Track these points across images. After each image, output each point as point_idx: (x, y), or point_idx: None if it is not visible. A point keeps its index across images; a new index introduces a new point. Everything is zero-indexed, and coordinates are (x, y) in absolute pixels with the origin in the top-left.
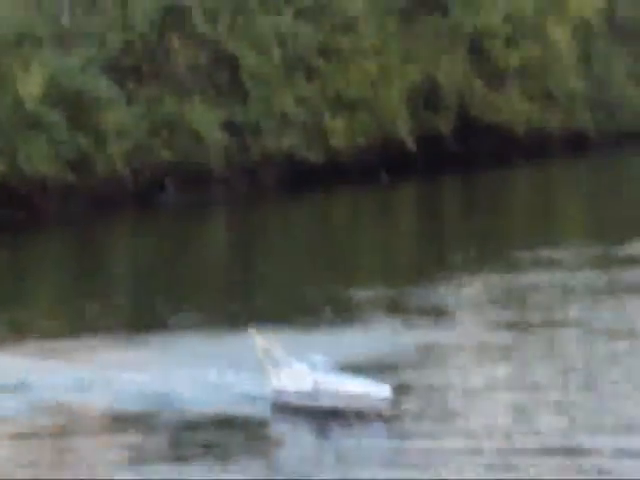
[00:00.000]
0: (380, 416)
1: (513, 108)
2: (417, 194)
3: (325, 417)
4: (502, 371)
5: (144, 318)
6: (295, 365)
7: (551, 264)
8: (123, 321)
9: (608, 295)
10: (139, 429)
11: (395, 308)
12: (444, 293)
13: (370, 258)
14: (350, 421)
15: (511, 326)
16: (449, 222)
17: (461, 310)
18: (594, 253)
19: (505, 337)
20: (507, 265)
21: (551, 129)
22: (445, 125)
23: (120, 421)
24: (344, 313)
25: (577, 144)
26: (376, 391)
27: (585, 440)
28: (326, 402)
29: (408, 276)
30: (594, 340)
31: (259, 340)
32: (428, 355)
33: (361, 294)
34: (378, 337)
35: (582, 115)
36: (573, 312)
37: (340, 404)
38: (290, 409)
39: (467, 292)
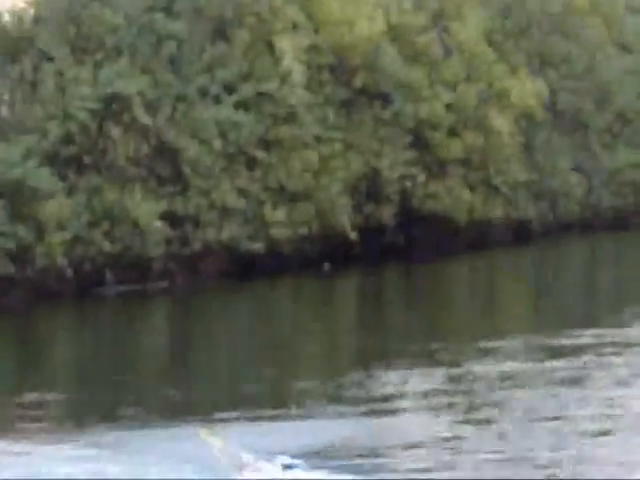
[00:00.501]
0: None
1: (455, 198)
2: (359, 284)
3: None
4: (445, 459)
5: (84, 412)
6: (266, 467)
7: (491, 354)
8: (62, 414)
9: (546, 384)
10: None
11: (336, 398)
12: (386, 382)
13: (311, 348)
14: None
15: (453, 415)
16: (391, 313)
17: (403, 399)
18: (533, 343)
19: (447, 427)
20: (448, 355)
21: (493, 219)
22: (387, 215)
23: None
24: (285, 403)
25: (519, 234)
26: None
27: None
28: None
29: (349, 366)
30: (536, 427)
31: (214, 440)
32: (371, 443)
33: (302, 384)
34: (320, 427)
35: (524, 205)
36: (514, 401)
37: None
38: None
39: (409, 381)
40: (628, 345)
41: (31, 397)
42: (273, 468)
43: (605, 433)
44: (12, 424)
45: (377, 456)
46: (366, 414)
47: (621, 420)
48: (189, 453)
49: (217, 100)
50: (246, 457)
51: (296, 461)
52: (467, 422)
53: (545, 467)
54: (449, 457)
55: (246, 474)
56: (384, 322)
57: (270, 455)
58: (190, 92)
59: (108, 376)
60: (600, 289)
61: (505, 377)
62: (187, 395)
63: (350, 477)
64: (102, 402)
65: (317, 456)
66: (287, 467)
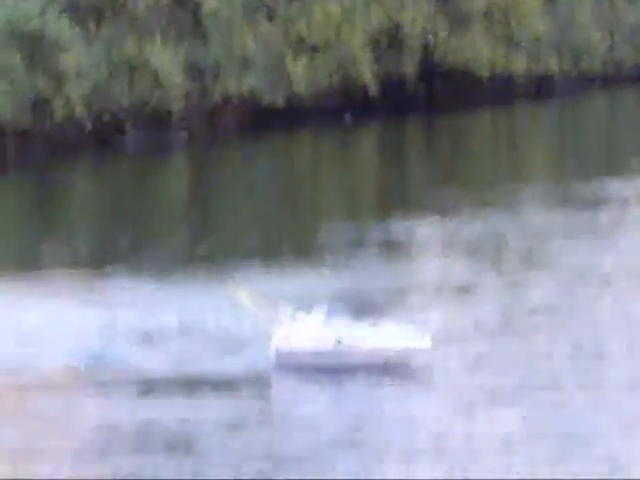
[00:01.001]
0: (413, 369)
1: (477, 52)
2: (380, 137)
3: (341, 377)
4: (466, 311)
5: (104, 258)
6: (305, 319)
7: (515, 205)
8: (81, 260)
9: (571, 235)
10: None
11: (359, 247)
12: (408, 233)
13: (332, 199)
14: (372, 379)
15: (475, 265)
16: (411, 163)
17: (425, 249)
18: (558, 194)
19: (469, 277)
20: (471, 206)
21: (515, 73)
22: (408, 69)
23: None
24: (306, 253)
25: (542, 88)
26: (414, 342)
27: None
28: (350, 359)
29: (370, 214)
30: (560, 280)
31: (246, 295)
32: (392, 294)
33: (323, 234)
34: (342, 277)
35: (546, 59)
36: (538, 253)
37: (370, 360)
38: (298, 370)
39: (431, 232)
40: None
41: (49, 244)
42: (312, 318)
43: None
44: (31, 268)
45: (399, 303)
46: (387, 259)
47: None
48: (221, 308)
49: None
50: (283, 309)
51: (334, 310)
52: (484, 269)
53: (559, 312)
54: (467, 302)
55: (285, 327)
56: (404, 172)
57: (308, 306)
58: None
59: (128, 223)
60: (621, 141)
61: (524, 226)
62: (208, 245)
63: (390, 324)
64: (122, 249)
65: (343, 303)
66: (326, 317)
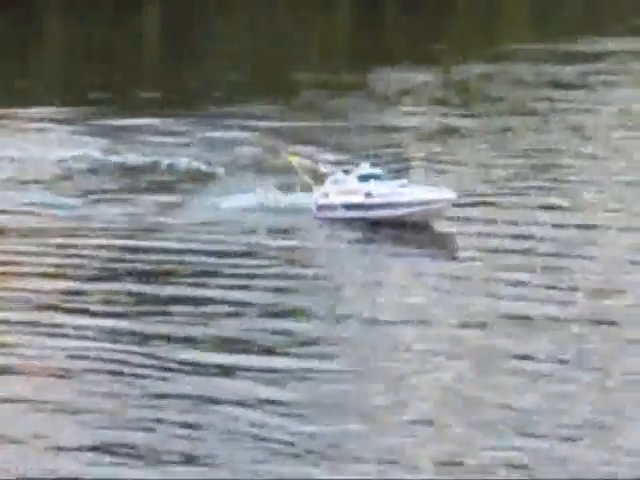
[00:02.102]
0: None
1: None
2: None
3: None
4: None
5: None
6: (344, 178)
7: (498, 58)
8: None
9: (551, 88)
10: None
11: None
12: (388, 82)
13: (309, 48)
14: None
15: (452, 115)
16: (392, 16)
17: (405, 95)
18: (537, 49)
19: (451, 124)
20: (453, 59)
21: None
22: None
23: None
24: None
25: None
26: (440, 193)
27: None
28: (378, 213)
29: (350, 66)
30: (549, 128)
31: (301, 162)
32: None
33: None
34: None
35: None
36: (528, 101)
37: (397, 213)
38: (332, 222)
39: (413, 81)
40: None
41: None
42: (350, 179)
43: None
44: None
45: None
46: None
47: None
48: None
49: None
50: (324, 168)
51: (376, 170)
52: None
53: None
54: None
55: (325, 185)
56: (385, 25)
57: (351, 164)
58: None
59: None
60: None
61: (516, 80)
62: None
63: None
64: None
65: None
66: (364, 178)
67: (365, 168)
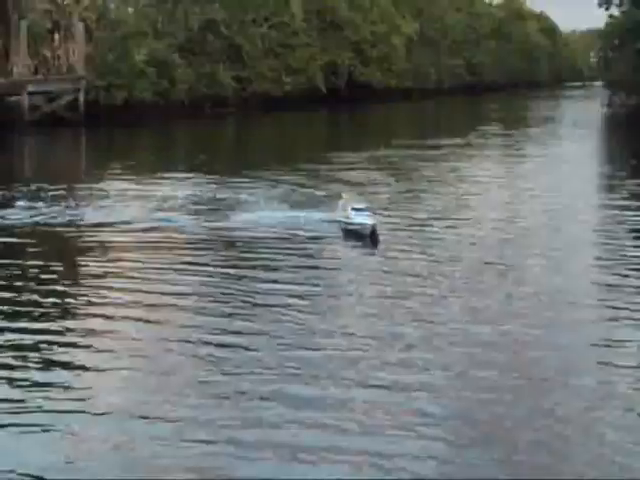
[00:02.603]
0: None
1: None
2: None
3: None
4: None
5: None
6: (345, 207)
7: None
8: None
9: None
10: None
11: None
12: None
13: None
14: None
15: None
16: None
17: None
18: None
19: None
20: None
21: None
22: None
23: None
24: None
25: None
26: (364, 223)
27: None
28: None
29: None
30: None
31: (346, 199)
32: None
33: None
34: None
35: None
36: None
37: (355, 228)
38: (346, 232)
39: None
40: None
41: None
42: (345, 212)
43: None
44: None
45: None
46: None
47: None
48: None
49: None
50: (343, 204)
51: (365, 208)
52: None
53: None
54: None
55: (342, 211)
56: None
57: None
58: None
59: None
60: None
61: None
62: None
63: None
64: None
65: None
66: (356, 210)
67: (360, 205)
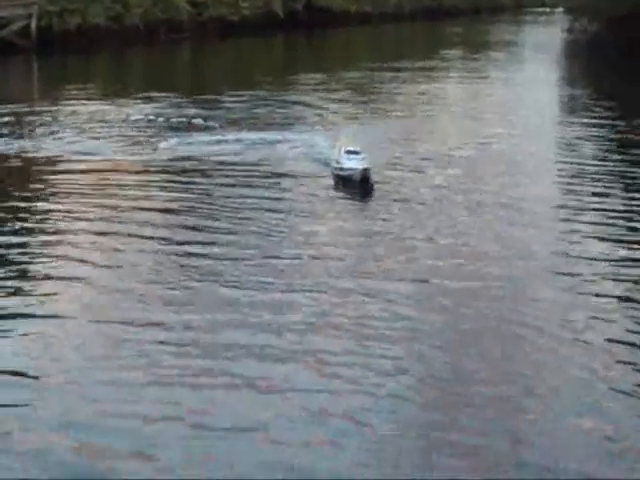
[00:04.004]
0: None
1: None
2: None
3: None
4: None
5: None
6: (341, 152)
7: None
8: None
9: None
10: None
11: None
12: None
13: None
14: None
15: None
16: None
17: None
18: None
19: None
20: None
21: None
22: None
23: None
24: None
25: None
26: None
27: None
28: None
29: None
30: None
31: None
32: None
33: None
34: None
35: None
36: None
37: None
38: (336, 175)
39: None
40: None
41: None
42: (342, 154)
43: None
44: None
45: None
46: None
47: None
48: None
49: None
50: (339, 145)
51: (359, 151)
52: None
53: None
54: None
55: (337, 154)
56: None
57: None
58: None
59: None
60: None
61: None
62: None
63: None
64: None
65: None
66: (349, 153)
67: (355, 149)
